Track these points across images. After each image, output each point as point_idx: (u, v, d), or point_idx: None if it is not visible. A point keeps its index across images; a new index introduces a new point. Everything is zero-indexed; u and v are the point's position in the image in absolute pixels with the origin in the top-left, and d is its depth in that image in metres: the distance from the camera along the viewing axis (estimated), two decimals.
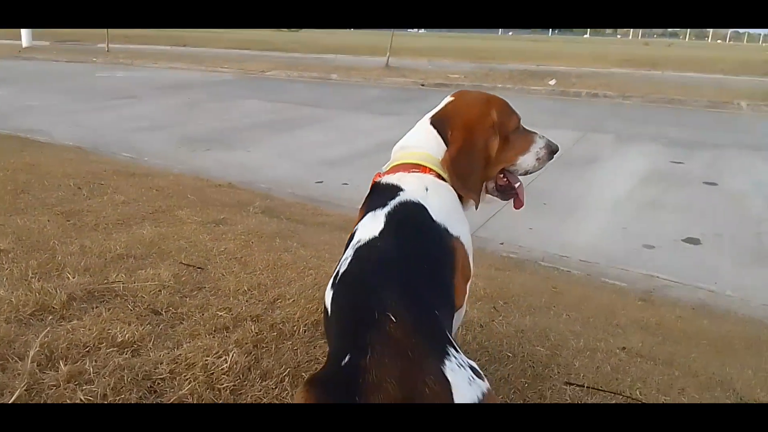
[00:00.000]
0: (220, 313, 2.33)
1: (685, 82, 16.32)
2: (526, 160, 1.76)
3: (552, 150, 1.78)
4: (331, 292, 1.40)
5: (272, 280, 2.79)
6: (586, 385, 2.09)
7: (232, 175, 6.55)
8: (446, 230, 1.50)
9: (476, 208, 1.74)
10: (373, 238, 1.44)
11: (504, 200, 1.84)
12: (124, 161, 6.70)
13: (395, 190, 1.56)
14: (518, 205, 1.82)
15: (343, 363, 1.14)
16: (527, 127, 1.80)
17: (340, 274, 1.41)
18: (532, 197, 5.92)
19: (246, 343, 2.10)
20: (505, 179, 1.79)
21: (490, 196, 1.83)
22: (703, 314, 3.56)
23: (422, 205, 1.51)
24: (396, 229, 1.46)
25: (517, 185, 1.79)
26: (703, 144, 9.03)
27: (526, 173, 1.79)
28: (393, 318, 1.18)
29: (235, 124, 10.19)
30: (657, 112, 12.33)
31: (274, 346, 2.12)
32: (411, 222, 1.49)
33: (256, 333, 2.19)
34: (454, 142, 1.65)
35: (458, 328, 2.04)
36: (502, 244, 4.91)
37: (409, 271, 1.35)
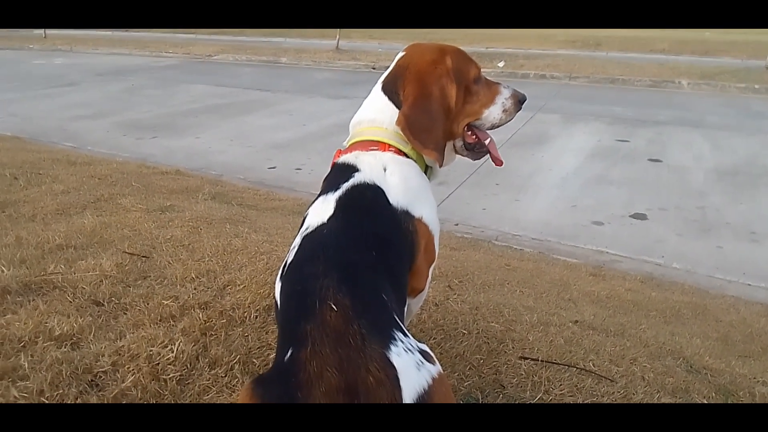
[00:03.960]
0: (166, 302, 2.23)
1: (629, 61, 16.69)
2: (493, 113, 1.65)
3: (519, 100, 1.68)
4: (279, 284, 1.34)
5: (222, 266, 2.69)
6: (540, 359, 2.10)
7: (180, 162, 6.36)
8: (406, 212, 1.44)
9: (440, 166, 1.63)
10: (321, 224, 1.38)
11: (475, 159, 1.74)
12: (65, 150, 6.41)
13: (350, 171, 1.48)
14: (497, 163, 1.70)
15: (285, 358, 1.10)
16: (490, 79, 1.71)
17: (287, 264, 1.35)
18: (485, 178, 6.04)
19: (193, 332, 2.02)
20: (474, 136, 1.68)
21: (460, 156, 1.73)
22: (651, 286, 3.66)
23: (377, 187, 1.45)
24: (344, 214, 1.39)
25: (487, 141, 1.68)
26: (647, 121, 9.27)
27: (493, 127, 1.69)
28: (333, 306, 1.13)
29: (182, 110, 9.91)
30: (602, 92, 12.60)
31: (223, 334, 2.04)
32: (362, 205, 1.42)
33: (205, 321, 2.10)
34: (407, 98, 1.55)
35: (418, 310, 2.01)
36: (456, 224, 4.93)
37: (353, 256, 1.29)
